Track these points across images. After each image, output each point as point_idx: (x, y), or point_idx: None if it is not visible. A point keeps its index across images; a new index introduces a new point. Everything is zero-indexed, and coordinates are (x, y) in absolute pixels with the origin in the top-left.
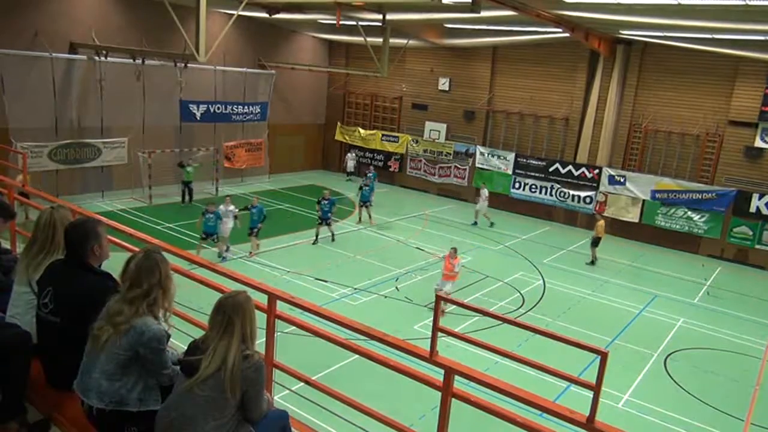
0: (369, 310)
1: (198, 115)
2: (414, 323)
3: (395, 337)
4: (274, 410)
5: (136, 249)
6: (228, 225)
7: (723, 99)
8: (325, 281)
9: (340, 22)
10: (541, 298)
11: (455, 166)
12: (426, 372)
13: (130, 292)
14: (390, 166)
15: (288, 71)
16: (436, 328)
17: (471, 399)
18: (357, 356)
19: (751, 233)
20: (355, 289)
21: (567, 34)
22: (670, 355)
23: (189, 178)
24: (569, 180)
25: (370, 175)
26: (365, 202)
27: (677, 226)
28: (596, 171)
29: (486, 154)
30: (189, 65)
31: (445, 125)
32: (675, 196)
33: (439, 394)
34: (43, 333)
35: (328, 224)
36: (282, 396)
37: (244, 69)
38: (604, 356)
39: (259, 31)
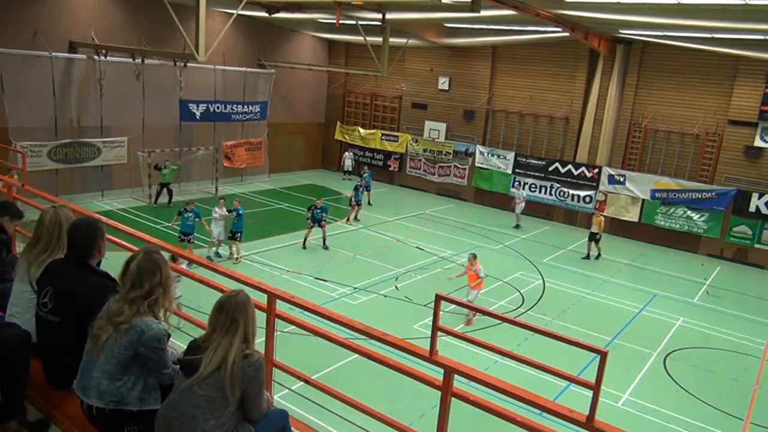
0: (369, 310)
1: (198, 114)
2: (414, 322)
3: (395, 337)
4: (273, 409)
5: (136, 249)
6: (218, 228)
7: (723, 98)
8: (325, 281)
9: (340, 22)
10: (540, 298)
11: (455, 166)
12: (426, 371)
13: (131, 292)
14: (390, 166)
15: (288, 70)
16: (435, 328)
17: (471, 398)
18: (357, 356)
19: (750, 232)
20: (355, 288)
21: (567, 34)
22: (669, 354)
23: (165, 179)
24: (569, 179)
25: (366, 174)
26: (358, 201)
27: (677, 226)
28: (596, 170)
29: (486, 154)
30: (189, 64)
31: (444, 125)
32: (675, 195)
33: (439, 393)
34: (43, 332)
35: (321, 225)
36: (282, 395)
37: (244, 68)
38: (603, 355)
39: (259, 31)
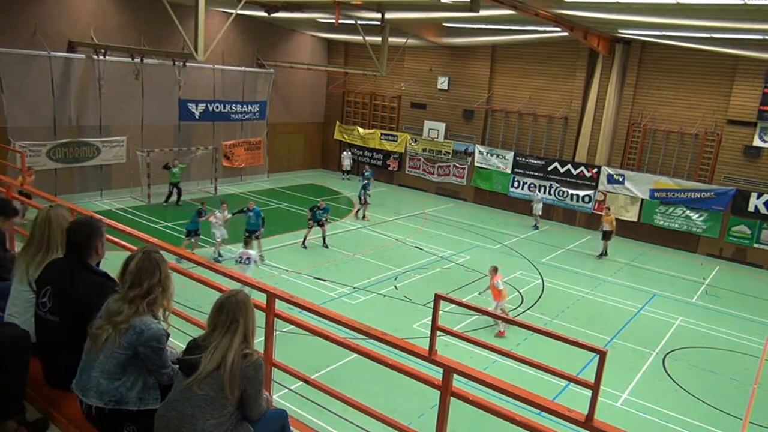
0: (368, 309)
1: (197, 114)
2: (413, 322)
3: (394, 336)
4: (273, 409)
5: (135, 248)
6: (219, 231)
7: (722, 98)
8: (324, 280)
9: (339, 21)
10: (539, 297)
11: (454, 165)
12: (425, 371)
13: (130, 292)
14: (389, 165)
15: (287, 70)
16: (435, 327)
17: (470, 398)
18: (356, 355)
19: (749, 232)
20: (354, 288)
21: (566, 33)
22: (668, 353)
23: (175, 179)
24: (568, 179)
25: (367, 174)
26: (365, 198)
27: (676, 225)
28: (595, 170)
29: (485, 153)
30: (188, 64)
31: (444, 124)
32: (674, 195)
33: (438, 392)
34: (42, 332)
35: (321, 225)
36: (281, 395)
37: (243, 68)
38: (602, 355)
39: (258, 30)
